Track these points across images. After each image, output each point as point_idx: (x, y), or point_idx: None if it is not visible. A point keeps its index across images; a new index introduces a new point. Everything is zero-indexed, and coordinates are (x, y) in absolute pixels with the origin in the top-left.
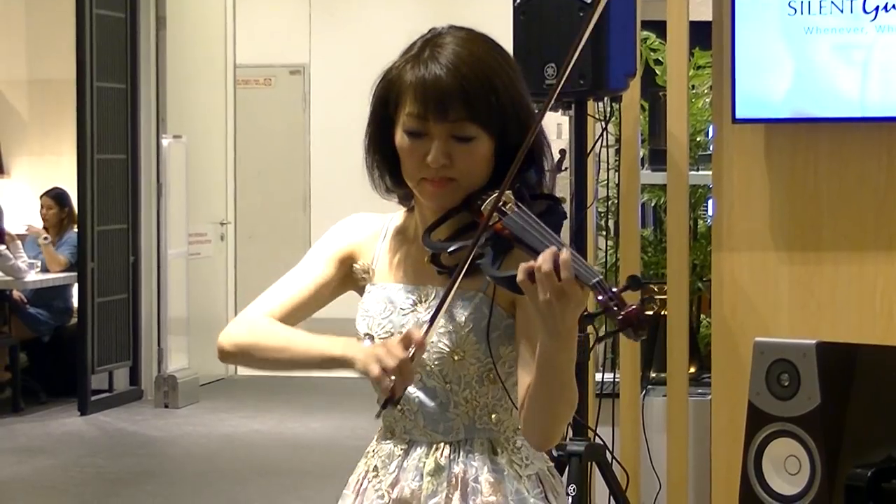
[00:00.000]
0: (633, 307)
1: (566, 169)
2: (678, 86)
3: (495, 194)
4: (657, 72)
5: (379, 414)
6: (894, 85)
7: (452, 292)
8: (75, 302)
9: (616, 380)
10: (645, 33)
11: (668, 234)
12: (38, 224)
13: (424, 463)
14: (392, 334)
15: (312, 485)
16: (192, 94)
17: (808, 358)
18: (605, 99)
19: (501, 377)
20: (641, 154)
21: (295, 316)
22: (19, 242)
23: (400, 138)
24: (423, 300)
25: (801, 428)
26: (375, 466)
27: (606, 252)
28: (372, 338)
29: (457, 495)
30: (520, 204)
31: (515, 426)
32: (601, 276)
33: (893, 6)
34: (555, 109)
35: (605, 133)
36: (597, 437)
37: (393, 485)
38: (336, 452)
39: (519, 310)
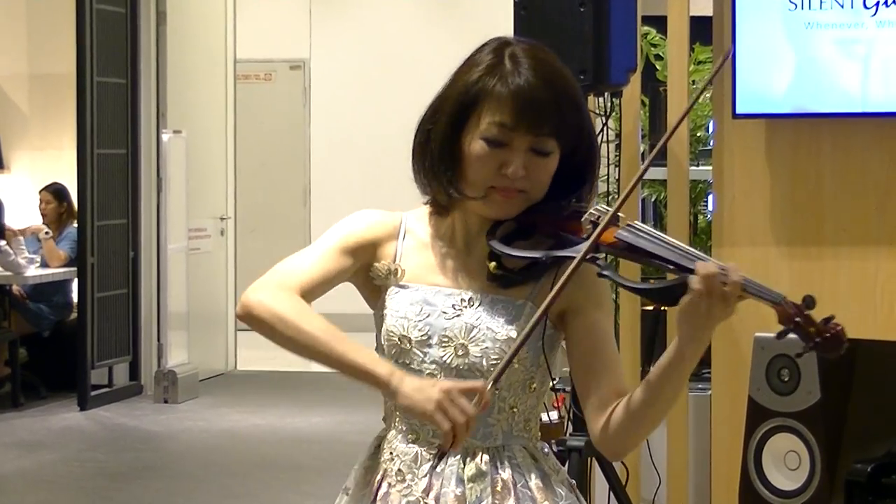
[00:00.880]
0: (833, 327)
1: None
2: (679, 81)
3: (605, 209)
4: (658, 67)
5: (436, 465)
6: (895, 80)
7: (541, 311)
8: (75, 297)
9: None
10: (646, 28)
11: (669, 230)
12: (38, 221)
13: (463, 468)
14: (431, 336)
15: (313, 479)
16: (192, 88)
17: (809, 353)
18: (606, 94)
19: (552, 381)
20: (642, 149)
21: (313, 296)
22: (21, 238)
23: (478, 146)
24: (470, 304)
25: (802, 423)
26: (399, 470)
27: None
28: (409, 340)
29: (510, 501)
30: (631, 223)
31: (539, 436)
32: (783, 294)
33: (894, 1)
34: None
35: (605, 128)
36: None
37: (427, 490)
38: (337, 447)
39: (577, 326)
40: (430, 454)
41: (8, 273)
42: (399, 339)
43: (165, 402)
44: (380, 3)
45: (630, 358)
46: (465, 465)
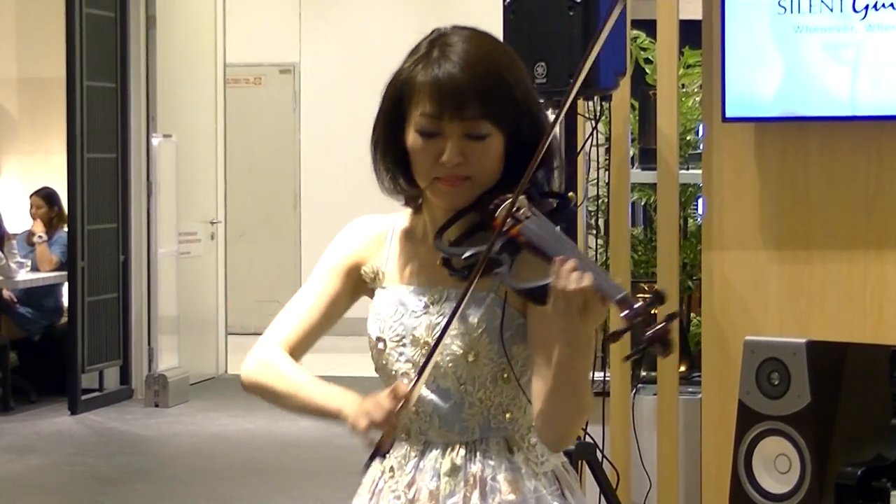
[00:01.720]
0: (661, 325)
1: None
2: (668, 85)
3: (509, 199)
4: (647, 71)
5: (367, 466)
6: (884, 84)
7: (463, 304)
8: (65, 301)
9: (606, 378)
10: (635, 32)
11: (658, 233)
12: (28, 225)
13: (441, 463)
14: (404, 337)
15: (302, 483)
16: (182, 93)
17: (798, 357)
18: (595, 98)
19: (516, 375)
20: (631, 153)
21: (311, 338)
22: (13, 242)
23: (413, 139)
24: (435, 302)
25: (791, 426)
26: (391, 467)
27: (596, 251)
28: (384, 341)
29: (475, 494)
30: (535, 210)
31: (529, 424)
32: (626, 292)
33: (883, 5)
34: (545, 108)
35: (594, 132)
36: (587, 436)
37: (409, 485)
38: (325, 451)
39: (531, 314)
40: (418, 450)
41: None
42: (376, 341)
43: (156, 406)
44: (370, 7)
45: (620, 362)
46: (443, 459)
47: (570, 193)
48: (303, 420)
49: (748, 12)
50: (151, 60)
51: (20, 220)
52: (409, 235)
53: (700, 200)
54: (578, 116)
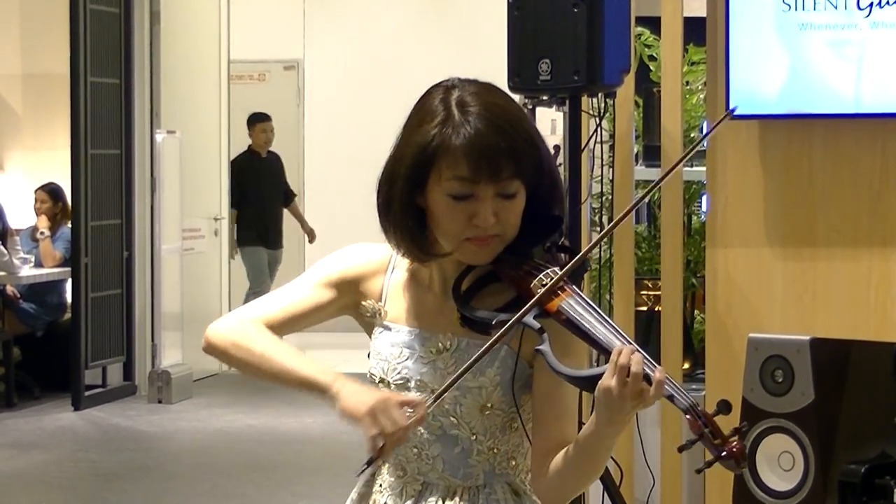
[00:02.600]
0: (736, 444)
1: (560, 165)
2: (672, 82)
3: (548, 269)
4: (651, 68)
5: (361, 472)
6: (888, 81)
7: (480, 360)
8: (69, 297)
9: None
10: (639, 29)
11: (663, 230)
12: (32, 220)
13: None
14: (408, 380)
15: (306, 480)
16: (186, 89)
17: (802, 354)
18: (600, 95)
19: (523, 424)
20: (635, 150)
21: (287, 327)
22: (17, 238)
23: (444, 203)
24: (445, 349)
25: (795, 424)
26: (386, 503)
27: (600, 248)
28: (387, 384)
29: None
30: (575, 288)
31: (528, 468)
32: (693, 401)
33: (888, 2)
34: (549, 105)
35: (599, 129)
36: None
37: None
38: (330, 447)
39: (539, 368)
40: (415, 491)
41: (2, 273)
42: (379, 382)
43: (159, 402)
44: (374, 4)
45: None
46: (443, 503)
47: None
48: (307, 417)
49: (752, 9)
50: (155, 56)
51: (24, 216)
52: (413, 278)
53: (704, 197)
54: (583, 113)
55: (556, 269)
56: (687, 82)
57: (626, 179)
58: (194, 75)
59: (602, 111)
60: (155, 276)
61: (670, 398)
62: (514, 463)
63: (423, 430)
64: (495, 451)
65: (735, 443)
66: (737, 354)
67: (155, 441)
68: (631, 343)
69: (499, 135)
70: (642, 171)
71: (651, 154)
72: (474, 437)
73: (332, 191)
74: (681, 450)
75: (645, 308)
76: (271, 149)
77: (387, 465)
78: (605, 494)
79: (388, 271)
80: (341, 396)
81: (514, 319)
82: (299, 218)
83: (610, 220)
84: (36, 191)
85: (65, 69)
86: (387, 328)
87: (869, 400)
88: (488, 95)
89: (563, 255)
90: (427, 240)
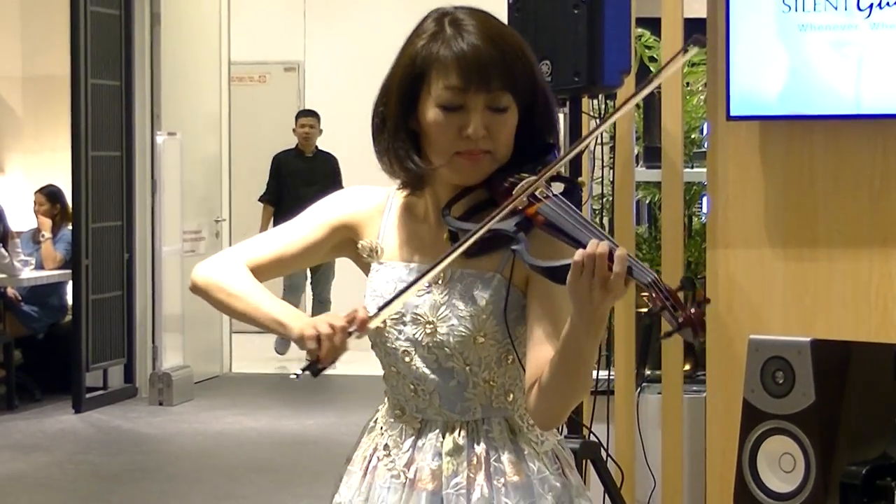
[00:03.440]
0: (693, 309)
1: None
2: (673, 83)
3: (526, 178)
4: (652, 69)
5: (298, 377)
6: (889, 82)
7: (444, 263)
8: (70, 299)
9: (611, 377)
10: (639, 30)
11: (663, 232)
12: (33, 222)
13: (441, 442)
14: (404, 315)
15: (307, 481)
16: (186, 90)
17: (803, 355)
18: (600, 96)
19: (519, 357)
20: (636, 151)
21: (275, 268)
22: (17, 240)
23: (434, 114)
24: (438, 280)
25: (796, 425)
26: (386, 445)
27: None
28: (384, 320)
29: (480, 475)
30: (552, 191)
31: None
32: (656, 275)
33: (888, 3)
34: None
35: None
36: (592, 435)
37: (408, 464)
38: (331, 449)
39: (532, 289)
40: (414, 429)
41: (3, 275)
42: None
43: (160, 404)
44: (374, 5)
45: (625, 360)
46: (443, 439)
47: (580, 179)
48: (307, 418)
49: (753, 10)
50: (156, 58)
51: (25, 218)
52: (408, 212)
53: (705, 199)
54: (583, 115)
55: (528, 176)
56: (687, 83)
57: (627, 181)
58: (195, 77)
59: (602, 112)
60: (156, 278)
61: (630, 272)
62: (511, 397)
63: (418, 365)
64: (491, 383)
65: (692, 311)
66: (737, 356)
67: (156, 443)
68: (610, 239)
69: (490, 46)
70: (643, 173)
71: (652, 155)
72: (468, 368)
73: None
74: (663, 337)
75: (646, 309)
76: (324, 149)
77: (385, 406)
78: (606, 496)
79: (386, 210)
80: (293, 324)
81: (489, 219)
82: None
83: (611, 221)
84: (35, 193)
85: (65, 71)
86: (382, 265)
87: (870, 401)
88: (485, 18)
89: (559, 183)
90: (418, 157)
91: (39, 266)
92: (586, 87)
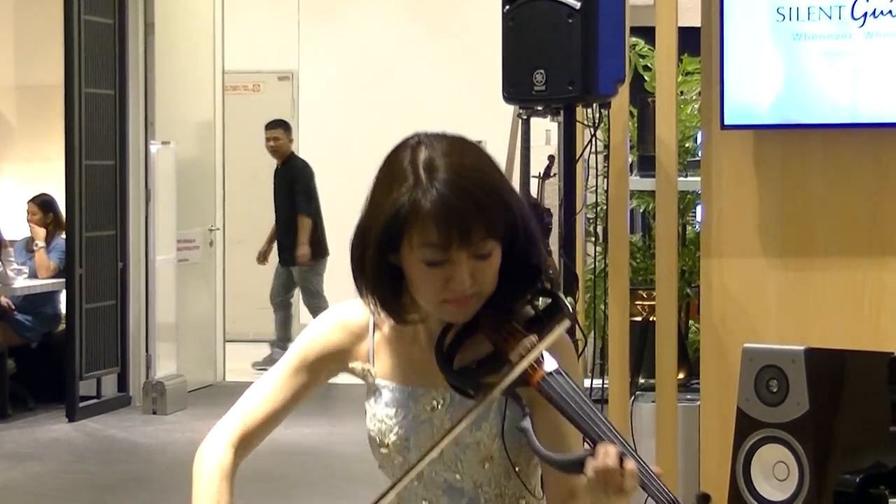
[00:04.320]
0: None
1: (555, 175)
2: (667, 92)
3: (531, 344)
4: (646, 78)
5: None
6: (883, 91)
7: (447, 440)
8: (63, 308)
9: (605, 385)
10: (634, 39)
11: (657, 240)
12: (26, 231)
13: None
14: (407, 440)
15: (302, 490)
16: (180, 99)
17: (797, 364)
18: (594, 105)
19: (518, 474)
20: (630, 160)
21: (270, 426)
22: (11, 249)
23: (418, 269)
24: (439, 406)
25: (790, 434)
26: None
27: (595, 258)
28: (387, 447)
29: None
30: (561, 371)
31: (541, 494)
32: (674, 497)
33: (882, 12)
34: (543, 115)
35: (593, 139)
36: (585, 443)
37: None
38: (325, 458)
39: (545, 415)
40: None
41: None
42: (379, 444)
43: (154, 413)
44: (368, 14)
45: (619, 369)
46: None
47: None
48: (304, 427)
49: (747, 20)
50: (150, 67)
51: (18, 227)
52: (399, 332)
53: (699, 208)
54: (578, 124)
55: (534, 337)
56: (681, 92)
57: (621, 190)
58: (189, 86)
59: (597, 121)
60: (150, 287)
61: (645, 488)
62: (524, 502)
63: (428, 486)
64: (502, 496)
65: None
66: (732, 364)
67: (150, 452)
68: (609, 424)
69: (467, 199)
70: (637, 182)
71: (646, 164)
72: (479, 488)
73: (325, 201)
74: None
75: (640, 318)
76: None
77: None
78: None
79: (371, 332)
80: None
81: (495, 391)
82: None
83: (605, 230)
84: (27, 202)
85: (59, 80)
86: (379, 389)
87: (864, 409)
88: (456, 155)
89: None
90: (404, 302)
91: (33, 275)
92: (581, 96)
